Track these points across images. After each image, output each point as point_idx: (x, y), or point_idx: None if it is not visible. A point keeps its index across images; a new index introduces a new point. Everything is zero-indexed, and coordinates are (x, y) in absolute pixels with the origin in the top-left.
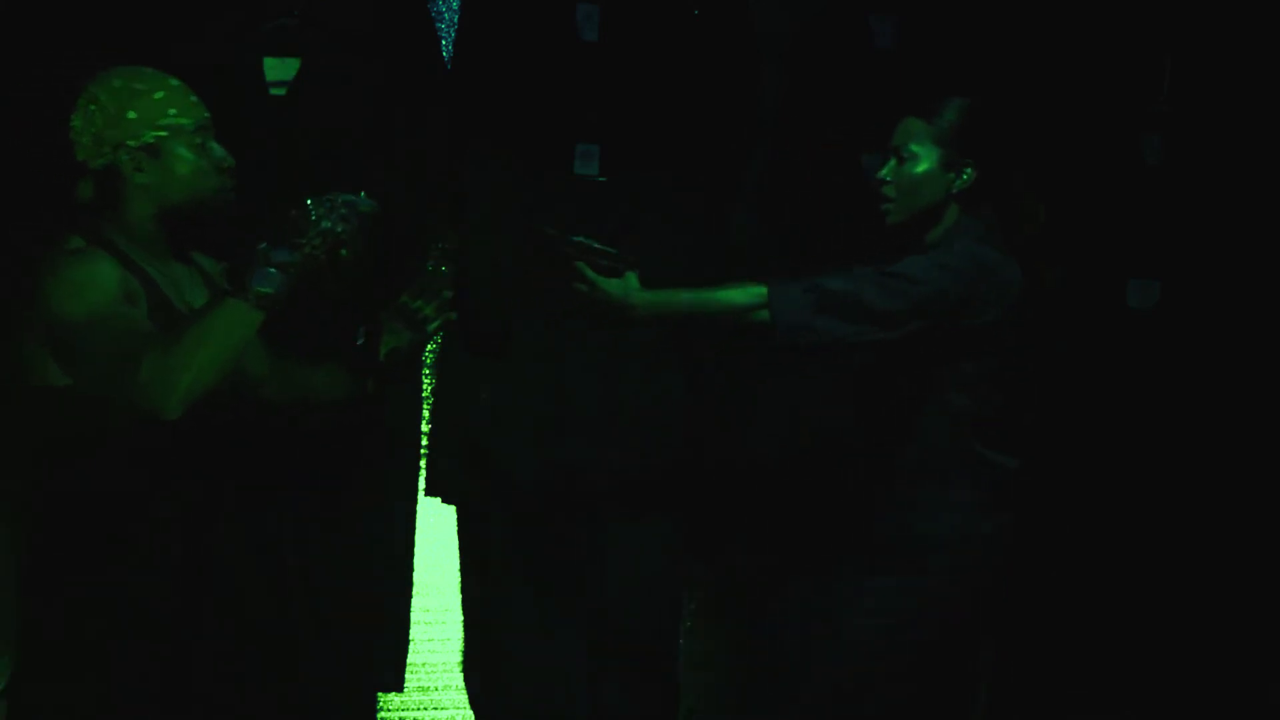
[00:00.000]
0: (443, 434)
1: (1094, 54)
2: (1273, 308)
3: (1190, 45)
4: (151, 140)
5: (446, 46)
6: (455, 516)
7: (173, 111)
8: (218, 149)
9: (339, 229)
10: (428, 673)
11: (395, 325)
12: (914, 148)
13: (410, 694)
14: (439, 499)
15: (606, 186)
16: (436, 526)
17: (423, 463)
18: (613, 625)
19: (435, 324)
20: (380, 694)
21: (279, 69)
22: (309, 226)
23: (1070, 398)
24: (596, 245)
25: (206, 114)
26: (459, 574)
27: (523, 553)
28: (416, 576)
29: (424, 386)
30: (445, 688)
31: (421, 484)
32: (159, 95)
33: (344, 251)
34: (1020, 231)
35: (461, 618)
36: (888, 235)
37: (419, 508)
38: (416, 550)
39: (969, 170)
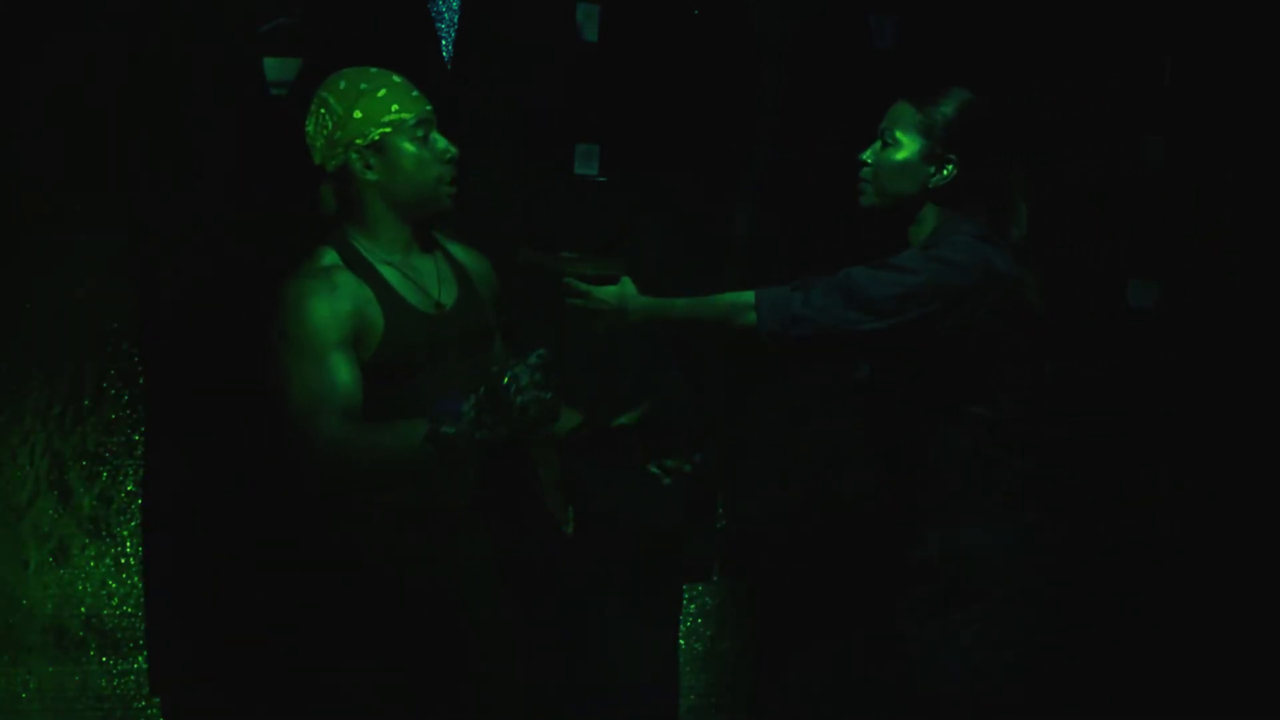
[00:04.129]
0: None
1: (1094, 54)
2: (1273, 308)
3: (1190, 45)
4: (377, 137)
5: (446, 46)
6: None
7: (395, 107)
8: (440, 140)
9: (533, 412)
10: None
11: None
12: (898, 134)
13: None
14: None
15: (606, 186)
16: None
17: None
18: (613, 626)
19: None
20: None
21: (279, 69)
22: (506, 409)
23: (1070, 398)
24: (581, 258)
25: (428, 106)
26: None
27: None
28: None
29: None
30: None
31: None
32: (382, 93)
33: (554, 428)
34: (1009, 238)
35: None
36: (878, 228)
37: None
38: None
39: (950, 167)
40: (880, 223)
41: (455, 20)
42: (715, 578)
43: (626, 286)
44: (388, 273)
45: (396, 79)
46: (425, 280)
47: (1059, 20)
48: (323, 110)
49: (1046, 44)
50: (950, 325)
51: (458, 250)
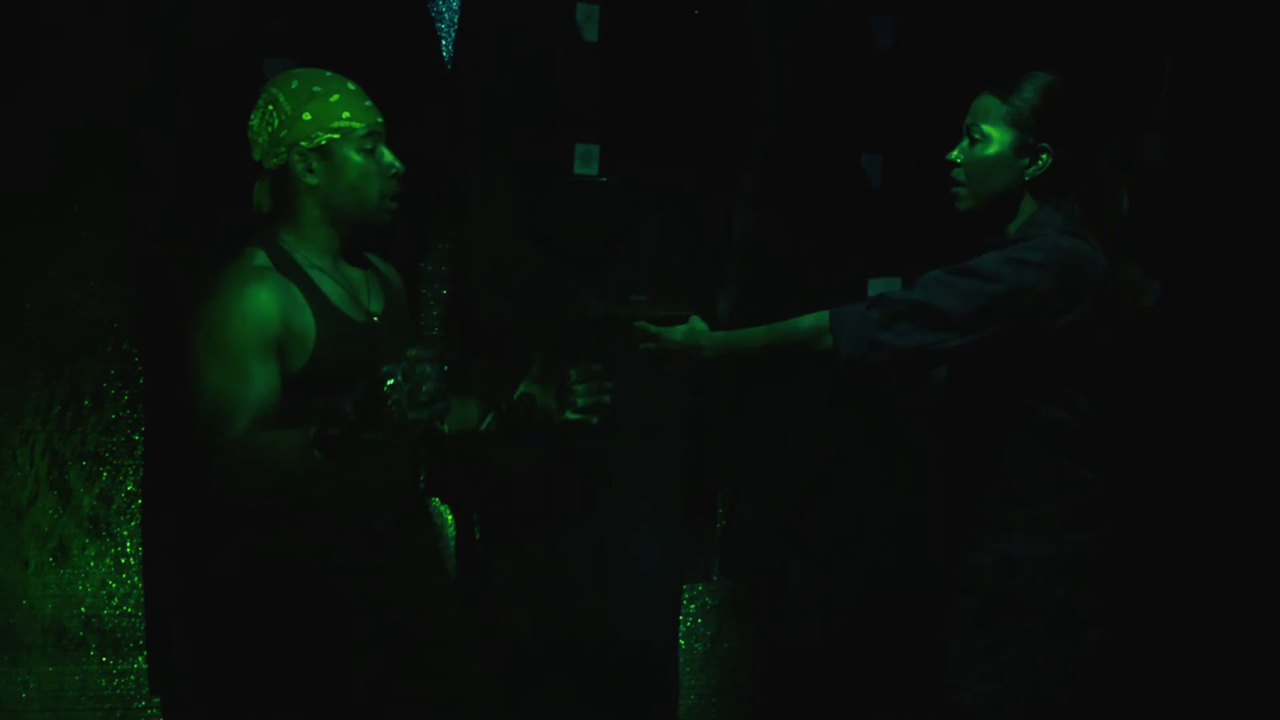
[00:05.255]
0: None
1: (1094, 54)
2: (1273, 308)
3: (1190, 45)
4: (324, 142)
5: (446, 46)
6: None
7: (346, 114)
8: (387, 154)
9: (424, 414)
10: None
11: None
12: (986, 128)
13: None
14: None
15: (606, 186)
16: None
17: None
18: (613, 626)
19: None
20: None
21: (279, 69)
22: (392, 416)
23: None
24: (649, 300)
25: (379, 119)
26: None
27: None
28: None
29: None
30: None
31: None
32: (334, 98)
33: (443, 427)
34: (1106, 224)
35: None
36: (961, 223)
37: None
38: None
39: (1045, 156)
40: (979, 225)
41: (455, 20)
42: (715, 578)
43: (696, 324)
44: (319, 279)
45: (351, 86)
46: (356, 289)
47: (1059, 20)
48: (270, 107)
49: (1046, 44)
50: (1034, 331)
51: (376, 260)
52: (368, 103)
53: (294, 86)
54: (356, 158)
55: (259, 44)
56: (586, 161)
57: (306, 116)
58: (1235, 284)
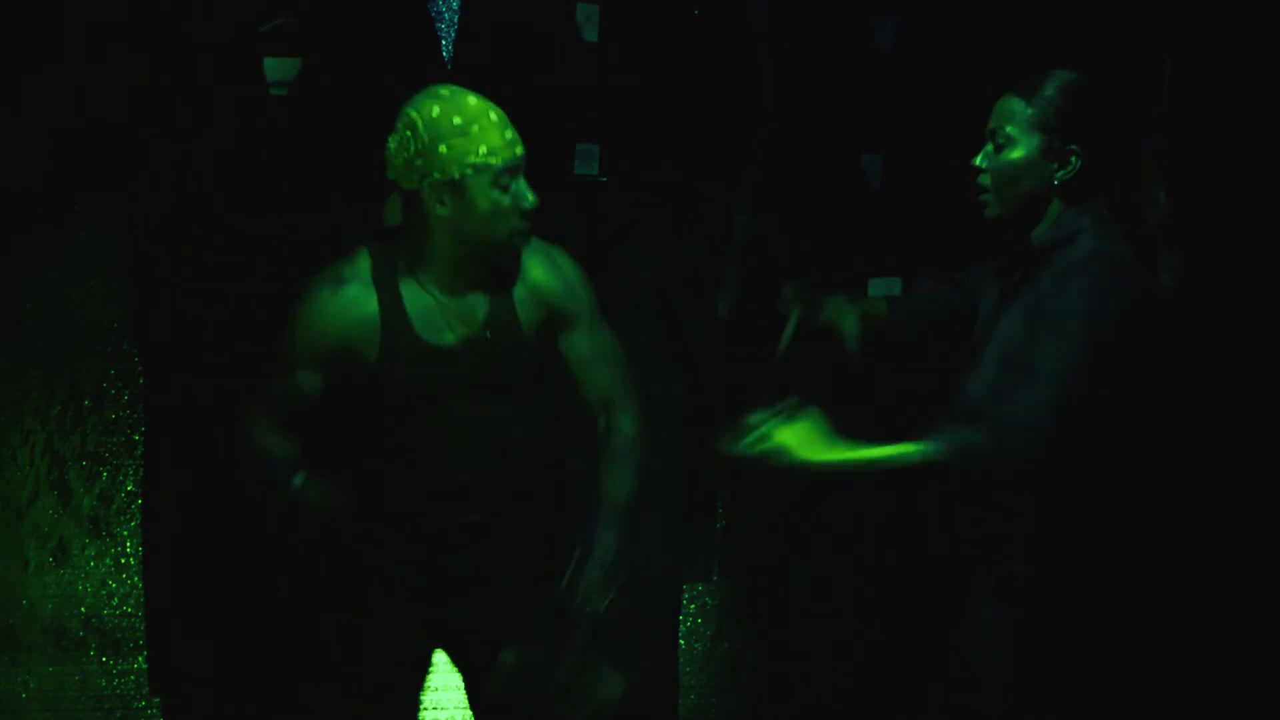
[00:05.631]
0: None
1: (1094, 54)
2: (1274, 308)
3: (1190, 45)
4: (457, 176)
5: (446, 46)
6: None
7: (483, 149)
8: (523, 188)
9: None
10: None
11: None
12: (1011, 131)
13: None
14: None
15: (606, 186)
16: None
17: None
18: (613, 626)
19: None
20: None
21: (279, 69)
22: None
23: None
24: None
25: (519, 151)
26: None
27: None
28: None
29: None
30: (445, 688)
31: None
32: (474, 129)
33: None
34: (1147, 223)
35: None
36: (961, 223)
37: None
38: None
39: (1075, 159)
40: (1007, 231)
41: (455, 20)
42: (715, 578)
43: (806, 425)
44: (411, 298)
45: (494, 115)
46: (456, 313)
47: (1059, 20)
48: (409, 133)
49: (1046, 44)
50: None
51: (536, 267)
52: (509, 134)
53: (434, 115)
54: (491, 195)
55: (259, 44)
56: (586, 161)
57: (442, 150)
58: (1236, 284)
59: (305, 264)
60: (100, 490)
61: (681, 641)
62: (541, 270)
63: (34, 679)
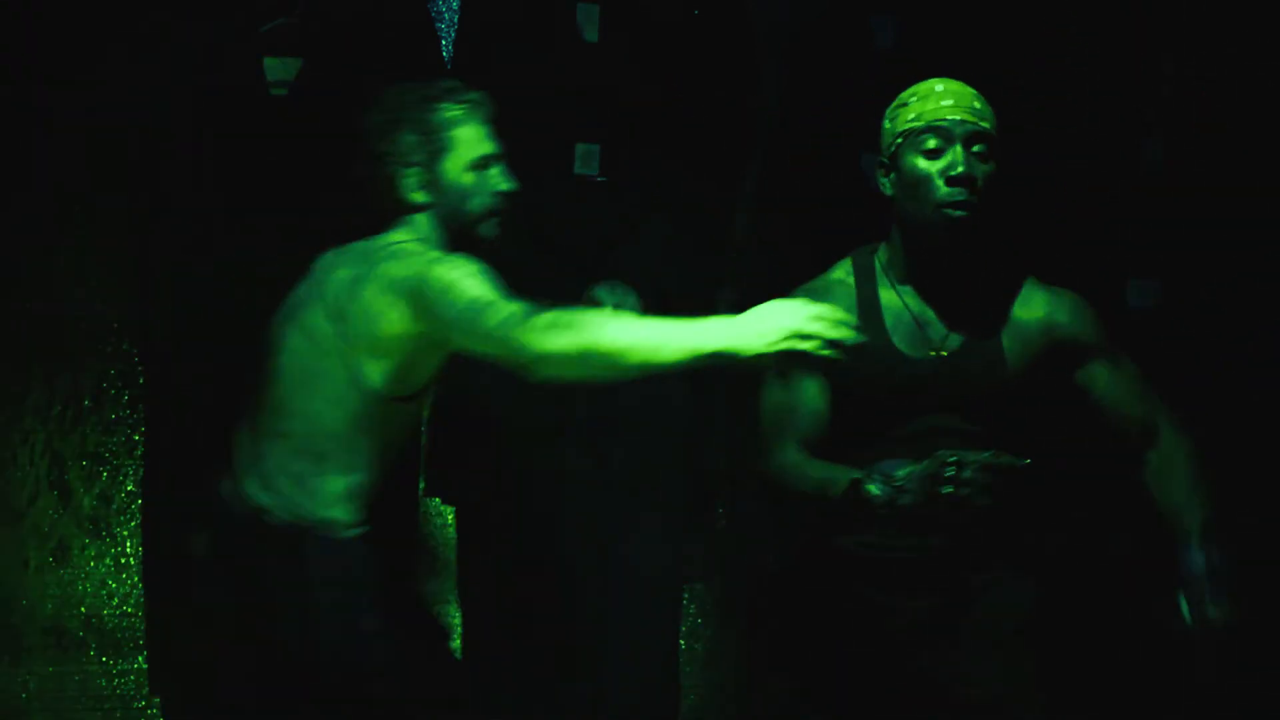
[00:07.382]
0: (443, 436)
1: (1094, 54)
2: (1273, 308)
3: (1190, 45)
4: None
5: (446, 46)
6: (454, 517)
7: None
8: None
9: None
10: None
11: None
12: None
13: None
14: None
15: (606, 186)
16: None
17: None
18: (614, 626)
19: None
20: None
21: (279, 69)
22: (935, 491)
23: (1069, 398)
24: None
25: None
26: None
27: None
28: None
29: None
30: None
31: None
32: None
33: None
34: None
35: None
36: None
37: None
38: None
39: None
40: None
41: (455, 20)
42: (715, 578)
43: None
44: (889, 302)
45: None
46: (931, 320)
47: (1059, 20)
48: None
49: (1046, 44)
50: None
51: (1039, 300)
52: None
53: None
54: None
55: (259, 44)
56: (586, 161)
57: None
58: (1235, 284)
59: (305, 263)
60: (100, 490)
61: (681, 642)
62: (1045, 301)
63: (34, 679)
